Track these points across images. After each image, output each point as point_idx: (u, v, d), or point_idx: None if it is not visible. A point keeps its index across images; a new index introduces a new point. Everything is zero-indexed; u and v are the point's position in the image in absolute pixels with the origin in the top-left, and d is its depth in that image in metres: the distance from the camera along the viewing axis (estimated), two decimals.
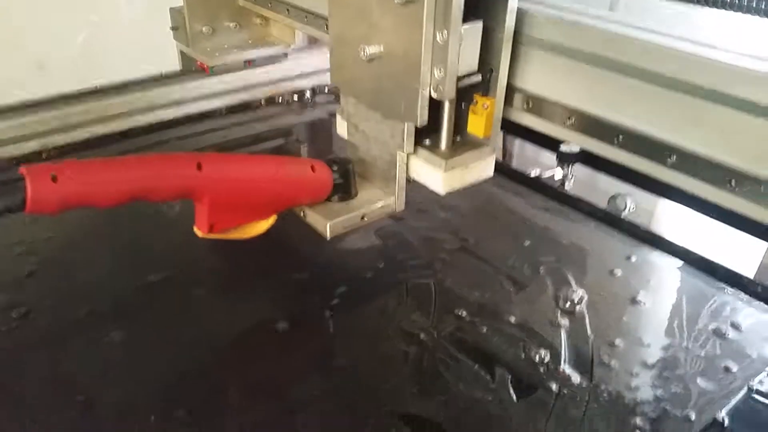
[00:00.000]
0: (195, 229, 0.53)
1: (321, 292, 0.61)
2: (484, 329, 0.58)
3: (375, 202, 0.60)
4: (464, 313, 0.59)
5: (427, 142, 0.59)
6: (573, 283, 0.63)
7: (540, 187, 0.80)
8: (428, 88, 0.52)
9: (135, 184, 0.47)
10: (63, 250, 0.67)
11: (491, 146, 0.60)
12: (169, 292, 0.62)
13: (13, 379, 0.51)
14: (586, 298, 0.61)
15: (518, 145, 1.23)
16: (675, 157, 0.48)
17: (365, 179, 0.63)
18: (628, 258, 0.68)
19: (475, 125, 0.58)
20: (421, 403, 0.50)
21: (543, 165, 0.89)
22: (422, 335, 0.57)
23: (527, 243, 0.70)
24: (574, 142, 0.59)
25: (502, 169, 0.84)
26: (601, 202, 0.77)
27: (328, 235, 0.58)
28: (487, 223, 0.74)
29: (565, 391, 0.51)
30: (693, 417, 0.49)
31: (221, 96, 1.00)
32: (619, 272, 0.65)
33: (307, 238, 0.58)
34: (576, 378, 0.53)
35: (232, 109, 1.01)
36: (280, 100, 1.05)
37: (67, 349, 0.55)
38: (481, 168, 0.61)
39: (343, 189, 0.59)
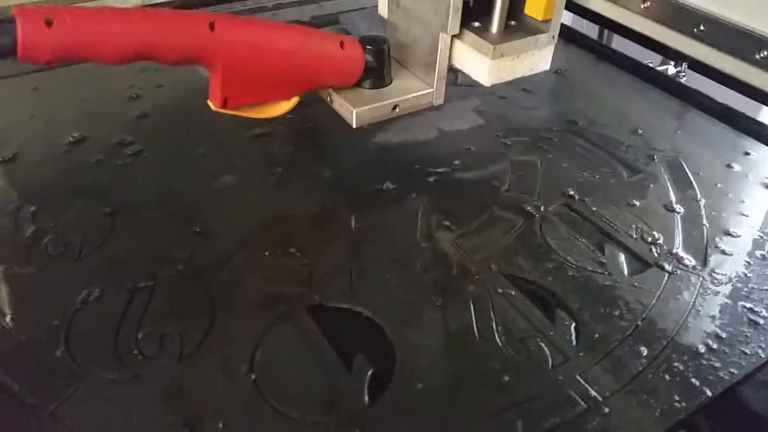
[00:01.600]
0: (208, 102, 0.50)
1: (425, 162, 0.61)
2: (594, 209, 0.56)
3: (410, 91, 0.55)
4: (573, 192, 0.58)
5: (476, 24, 0.52)
6: (689, 172, 0.61)
7: (654, 77, 0.76)
8: None
9: (139, 38, 0.43)
10: (173, 99, 0.68)
11: (550, 33, 0.53)
12: (276, 145, 0.62)
13: (130, 208, 0.53)
14: (702, 187, 0.59)
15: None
16: (765, 52, 0.42)
17: (403, 66, 0.57)
18: (747, 154, 0.64)
19: (534, 6, 0.51)
20: (527, 269, 0.50)
21: (656, 57, 0.84)
22: (528, 207, 0.56)
23: (640, 131, 0.66)
24: (647, 31, 0.51)
25: (616, 57, 0.79)
26: None
27: (354, 123, 0.53)
28: (597, 108, 0.71)
29: (678, 272, 0.50)
30: None
31: None
32: (737, 167, 0.62)
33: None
34: (690, 261, 0.51)
35: None
36: None
37: (181, 187, 0.56)
38: (535, 59, 0.54)
39: (376, 73, 0.54)
